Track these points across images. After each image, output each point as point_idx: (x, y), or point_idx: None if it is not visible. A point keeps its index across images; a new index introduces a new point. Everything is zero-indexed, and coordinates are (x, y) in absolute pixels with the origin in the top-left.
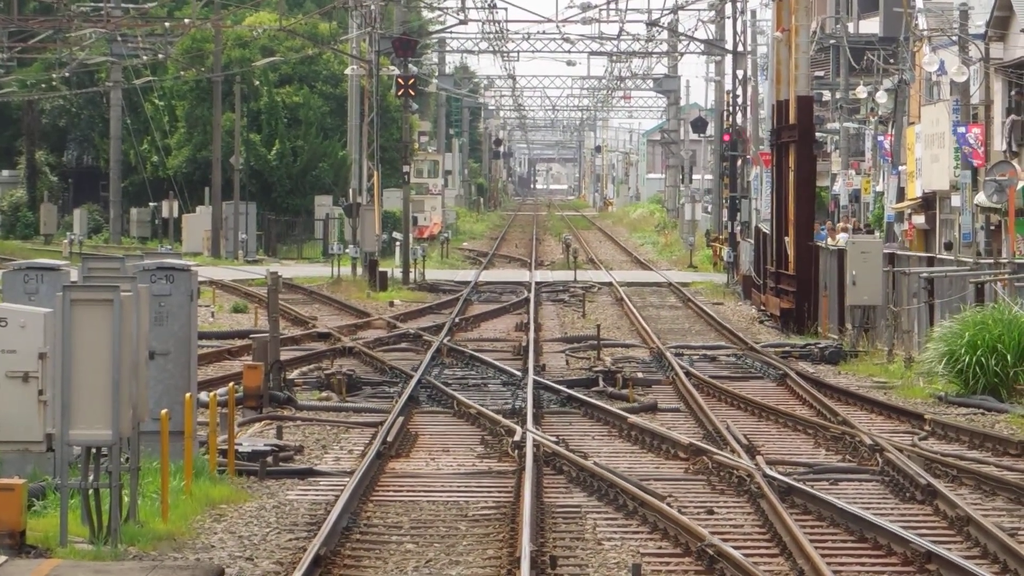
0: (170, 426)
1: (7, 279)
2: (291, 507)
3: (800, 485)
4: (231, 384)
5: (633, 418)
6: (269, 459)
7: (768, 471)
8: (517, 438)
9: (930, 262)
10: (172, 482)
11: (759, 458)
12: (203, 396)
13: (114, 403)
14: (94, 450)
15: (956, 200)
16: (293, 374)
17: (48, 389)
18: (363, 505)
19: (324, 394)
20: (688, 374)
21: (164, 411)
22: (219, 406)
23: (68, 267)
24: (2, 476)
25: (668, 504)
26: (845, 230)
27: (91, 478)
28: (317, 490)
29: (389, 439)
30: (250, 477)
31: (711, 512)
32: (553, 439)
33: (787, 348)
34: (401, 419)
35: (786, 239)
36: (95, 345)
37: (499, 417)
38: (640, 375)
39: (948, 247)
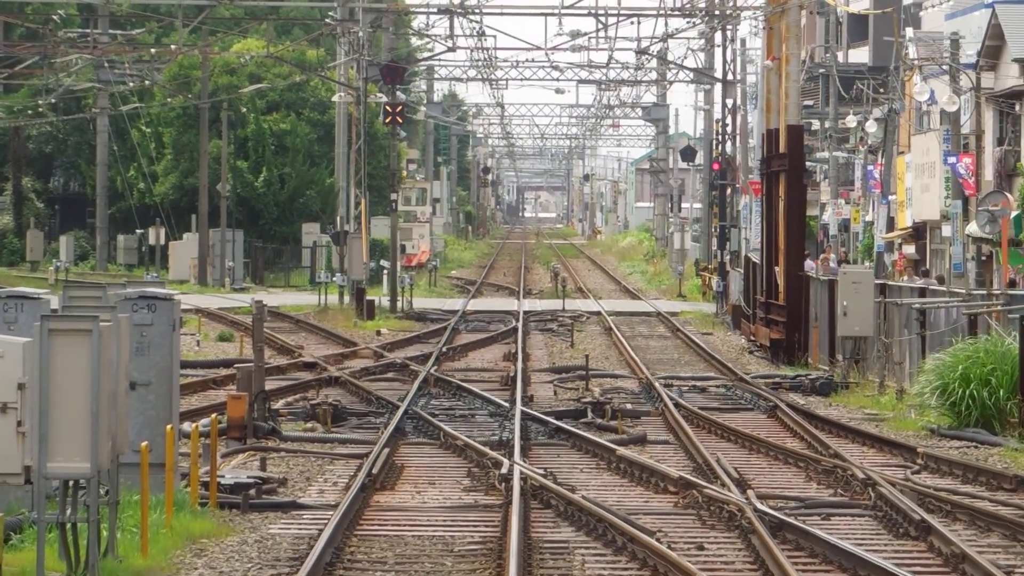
0: (151, 458)
1: None
2: (273, 541)
3: (792, 520)
4: (214, 415)
5: (622, 450)
6: (252, 492)
7: (759, 506)
8: (504, 471)
9: (922, 293)
10: (152, 516)
11: (750, 492)
12: (186, 427)
13: (92, 435)
14: (72, 483)
15: (947, 230)
16: (278, 404)
17: (27, 420)
18: (347, 539)
19: (309, 425)
20: (677, 405)
21: (144, 443)
22: (202, 437)
23: (48, 296)
24: None
25: (658, 539)
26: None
27: (69, 512)
28: (300, 524)
29: (374, 471)
30: (232, 510)
31: (701, 548)
32: (541, 472)
33: (777, 379)
34: (387, 451)
35: (776, 269)
36: (73, 376)
37: (486, 449)
38: (629, 406)
39: (925, 274)
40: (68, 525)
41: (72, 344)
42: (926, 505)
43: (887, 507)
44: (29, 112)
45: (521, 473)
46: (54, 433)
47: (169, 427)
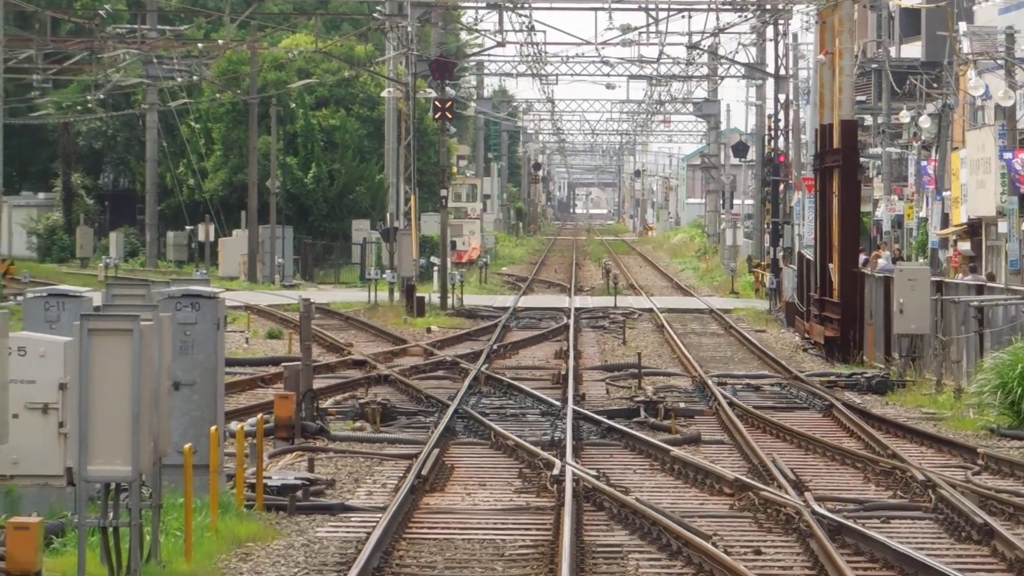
0: (196, 459)
1: (27, 306)
2: (321, 545)
3: (851, 524)
4: (260, 415)
5: (676, 451)
6: (299, 493)
7: (817, 508)
8: (556, 472)
9: (979, 290)
10: (197, 518)
11: (807, 494)
12: (233, 426)
13: (134, 437)
14: (114, 486)
15: (1003, 226)
16: (327, 403)
17: (69, 421)
18: (396, 543)
19: (358, 424)
20: (732, 404)
21: (187, 445)
22: (249, 437)
23: (90, 294)
24: (20, 512)
25: (713, 544)
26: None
27: (111, 515)
28: (348, 527)
29: (424, 472)
30: (279, 512)
31: (758, 552)
32: (593, 473)
33: (832, 377)
34: (436, 451)
35: (830, 265)
36: (114, 377)
37: (537, 449)
38: (682, 405)
39: (973, 270)
40: (110, 529)
41: (112, 344)
42: (988, 508)
43: (948, 510)
44: (78, 108)
45: (573, 474)
46: (94, 435)
47: (213, 428)
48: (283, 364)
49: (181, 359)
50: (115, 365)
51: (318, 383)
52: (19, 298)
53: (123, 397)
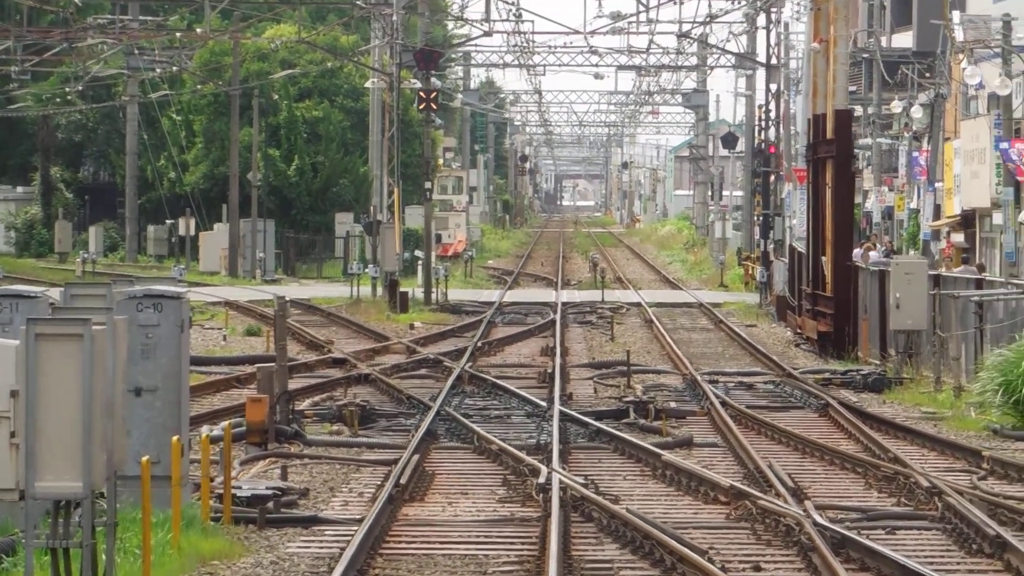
0: (159, 470)
1: None
2: (291, 562)
3: (855, 536)
4: (227, 422)
5: (667, 455)
6: (270, 505)
7: (818, 519)
8: (542, 479)
9: (979, 285)
10: (158, 535)
11: (807, 503)
12: (206, 431)
13: (85, 451)
14: (64, 503)
15: (998, 218)
16: (304, 404)
17: (21, 431)
18: (371, 560)
19: (335, 427)
20: (724, 404)
21: (145, 457)
22: (218, 443)
23: (46, 294)
24: None
25: (709, 560)
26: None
27: (61, 535)
28: (321, 541)
29: (403, 481)
30: (248, 526)
31: (758, 568)
32: (581, 480)
33: (827, 374)
34: (416, 457)
35: (823, 259)
36: (64, 385)
37: (522, 454)
38: (673, 405)
39: (965, 261)
40: (60, 550)
41: (62, 350)
42: (998, 517)
43: (956, 519)
44: (58, 100)
45: (560, 482)
46: (43, 449)
47: (175, 438)
48: (258, 364)
49: (142, 363)
50: (65, 373)
51: (295, 383)
52: None
53: (74, 407)
